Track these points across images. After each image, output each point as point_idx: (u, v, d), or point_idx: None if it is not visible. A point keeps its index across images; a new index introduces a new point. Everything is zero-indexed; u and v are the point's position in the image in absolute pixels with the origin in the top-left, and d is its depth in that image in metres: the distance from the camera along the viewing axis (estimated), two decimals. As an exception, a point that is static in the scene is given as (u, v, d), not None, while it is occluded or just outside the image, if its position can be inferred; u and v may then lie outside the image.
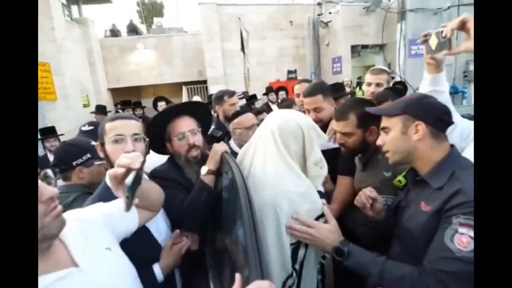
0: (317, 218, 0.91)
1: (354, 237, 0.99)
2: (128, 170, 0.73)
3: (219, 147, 1.21)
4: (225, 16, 7.98)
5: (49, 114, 5.77)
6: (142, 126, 1.09)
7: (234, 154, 1.29)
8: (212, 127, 2.23)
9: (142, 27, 11.30)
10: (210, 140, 1.62)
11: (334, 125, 1.32)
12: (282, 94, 5.27)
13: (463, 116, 1.34)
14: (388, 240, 1.05)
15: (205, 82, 8.77)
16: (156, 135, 1.22)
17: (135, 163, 0.73)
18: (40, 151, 2.90)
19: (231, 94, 2.37)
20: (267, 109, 3.94)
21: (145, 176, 1.01)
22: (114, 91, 9.44)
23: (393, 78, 5.87)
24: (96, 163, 1.34)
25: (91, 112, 5.23)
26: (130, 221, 0.88)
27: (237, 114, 1.88)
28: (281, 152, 0.91)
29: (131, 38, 9.37)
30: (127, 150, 1.00)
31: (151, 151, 1.31)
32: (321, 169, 0.96)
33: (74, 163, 1.30)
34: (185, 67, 9.33)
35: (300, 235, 0.88)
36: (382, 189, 1.17)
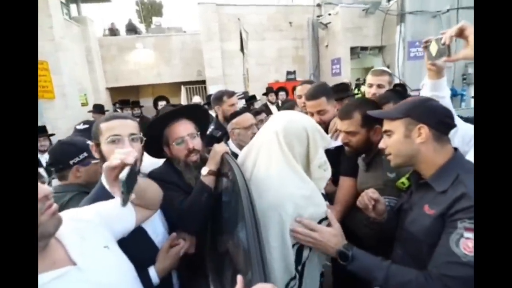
0: (320, 221, 0.90)
1: (356, 238, 0.98)
2: (123, 165, 0.72)
3: (220, 148, 1.20)
4: (224, 16, 7.97)
5: (47, 113, 5.73)
6: (138, 126, 1.07)
7: (233, 154, 1.28)
8: (211, 127, 2.23)
9: (141, 27, 11.28)
10: (209, 140, 1.61)
11: (338, 124, 1.31)
12: (282, 94, 5.27)
13: (466, 119, 1.35)
14: (390, 242, 1.04)
15: (204, 82, 8.75)
16: (153, 139, 1.19)
17: (129, 158, 0.72)
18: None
19: (231, 94, 2.36)
20: (266, 109, 3.93)
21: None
22: (112, 90, 9.39)
23: (392, 79, 5.90)
24: (93, 162, 1.32)
25: (89, 111, 5.19)
26: (127, 220, 0.87)
27: (235, 114, 1.87)
28: (285, 154, 0.90)
29: (130, 37, 9.33)
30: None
31: (145, 154, 1.29)
32: (325, 172, 0.95)
33: (71, 162, 1.28)
34: (184, 67, 9.30)
35: (303, 238, 0.87)
36: (386, 190, 1.17)
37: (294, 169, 0.90)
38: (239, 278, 0.61)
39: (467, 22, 0.89)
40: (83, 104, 7.21)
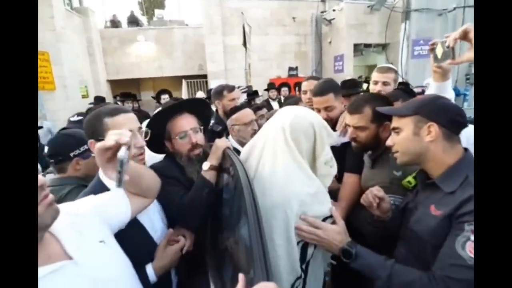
0: (325, 219, 0.88)
1: (360, 236, 0.97)
2: (117, 146, 0.71)
3: (221, 143, 1.18)
4: (227, 10, 7.87)
5: (47, 104, 5.70)
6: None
7: (234, 150, 1.26)
8: (212, 122, 2.20)
9: (143, 19, 11.16)
10: (210, 135, 1.58)
11: (347, 118, 1.28)
12: (284, 90, 5.23)
13: (468, 119, 1.34)
14: (394, 240, 1.03)
15: (205, 76, 8.69)
16: (155, 133, 1.16)
17: (123, 138, 0.70)
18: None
19: (231, 89, 2.32)
20: (267, 105, 3.89)
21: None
22: (113, 83, 9.33)
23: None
24: (93, 155, 1.30)
25: (90, 103, 5.16)
26: (122, 211, 0.85)
27: (235, 109, 1.83)
28: (291, 150, 0.88)
29: (132, 29, 9.24)
30: (139, 145, 1.00)
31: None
32: (331, 168, 0.93)
33: (71, 154, 1.25)
34: (185, 61, 9.23)
35: (307, 236, 0.85)
36: (391, 188, 1.15)
37: (300, 166, 0.88)
38: (241, 276, 0.60)
39: (472, 24, 0.88)
40: (84, 96, 7.18)
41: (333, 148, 1.03)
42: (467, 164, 0.85)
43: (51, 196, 0.60)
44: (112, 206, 0.83)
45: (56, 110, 5.86)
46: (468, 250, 0.71)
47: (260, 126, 1.79)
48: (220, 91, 2.29)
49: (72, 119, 2.22)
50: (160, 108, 1.43)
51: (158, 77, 9.50)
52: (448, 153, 0.86)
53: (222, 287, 0.94)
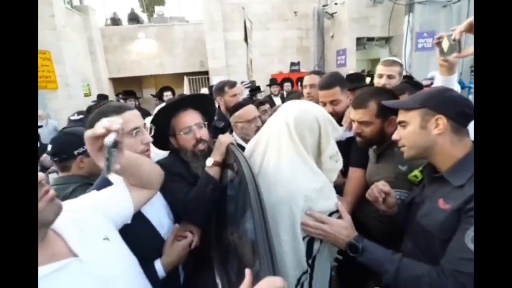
0: (330, 214, 0.88)
1: (366, 230, 0.96)
2: (107, 133, 0.68)
3: (225, 139, 1.18)
4: (228, 5, 7.81)
5: (50, 103, 5.72)
6: None
7: (238, 146, 1.25)
8: (214, 118, 2.19)
9: (143, 16, 11.11)
10: (213, 131, 1.58)
11: (352, 113, 1.26)
12: (287, 85, 5.19)
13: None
14: (399, 235, 1.02)
15: (207, 73, 8.66)
16: (159, 130, 1.16)
17: (114, 125, 0.68)
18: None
19: (232, 84, 2.31)
20: (269, 101, 3.87)
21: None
22: (115, 81, 9.35)
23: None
24: None
25: (93, 101, 5.17)
26: (124, 206, 0.84)
27: (238, 106, 1.82)
28: (296, 145, 0.86)
29: (132, 27, 9.21)
30: (146, 141, 1.00)
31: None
32: (337, 163, 0.92)
33: (75, 152, 1.25)
34: (186, 58, 9.20)
35: (313, 231, 0.85)
36: (397, 183, 1.14)
37: (305, 161, 0.86)
38: (248, 271, 0.59)
39: None
40: (86, 95, 7.20)
41: (338, 143, 1.02)
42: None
43: (52, 192, 0.59)
44: (113, 201, 0.83)
45: (58, 109, 5.89)
46: None
47: (263, 122, 1.79)
48: (221, 87, 2.28)
49: (72, 117, 2.22)
50: (163, 104, 1.43)
51: (160, 74, 9.49)
52: (456, 146, 0.85)
53: (228, 282, 0.94)
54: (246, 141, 1.68)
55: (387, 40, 7.57)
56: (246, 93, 4.28)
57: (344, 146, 1.31)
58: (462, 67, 7.05)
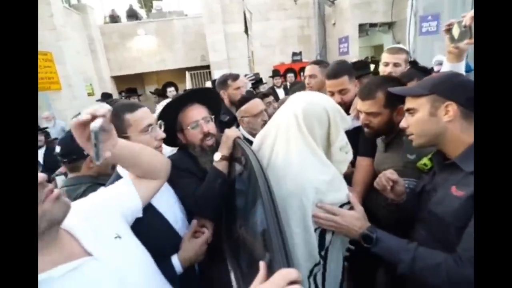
0: (342, 206, 0.88)
1: (376, 220, 0.96)
2: (93, 118, 0.66)
3: (231, 133, 1.17)
4: (226, -3, 7.69)
5: (54, 104, 5.77)
6: None
7: (246, 140, 1.25)
8: (219, 112, 2.18)
9: (142, 12, 11.00)
10: (219, 126, 1.58)
11: (359, 104, 1.24)
12: (290, 76, 5.13)
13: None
14: (409, 223, 1.02)
15: (208, 67, 8.60)
16: (166, 126, 1.15)
17: (100, 110, 0.67)
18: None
19: (235, 77, 2.29)
20: (272, 93, 3.84)
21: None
22: (117, 79, 9.36)
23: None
24: None
25: (97, 100, 5.19)
26: (131, 200, 0.84)
27: (243, 101, 1.81)
28: (305, 137, 0.86)
29: (131, 23, 9.15)
30: (160, 137, 1.02)
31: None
32: (346, 154, 0.91)
33: (85, 152, 1.26)
34: (187, 52, 9.14)
35: (325, 223, 0.85)
36: (405, 172, 1.13)
37: (314, 153, 0.86)
38: (262, 264, 0.59)
39: None
40: (89, 94, 7.23)
41: (346, 132, 1.01)
42: None
43: (57, 191, 0.59)
44: (120, 196, 0.82)
45: (63, 110, 5.94)
46: None
47: (269, 115, 1.78)
48: (224, 81, 2.26)
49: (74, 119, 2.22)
50: (168, 100, 1.43)
51: (161, 70, 9.46)
52: (466, 131, 0.83)
53: (241, 274, 0.95)
54: (253, 135, 1.68)
55: (390, 25, 7.39)
56: (249, 85, 4.26)
57: (352, 135, 1.30)
58: (468, 49, 6.88)
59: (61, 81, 5.89)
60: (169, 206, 1.05)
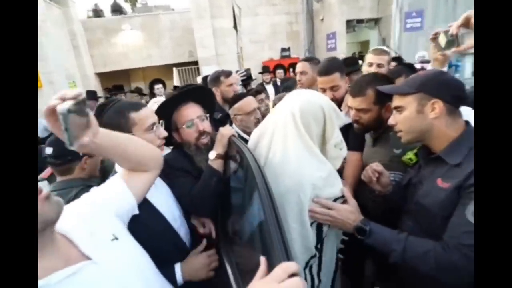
0: (335, 200, 0.91)
1: (367, 213, 1.00)
2: (62, 101, 0.61)
3: (226, 131, 1.18)
4: (214, -9, 7.57)
5: (36, 102, 5.54)
6: None
7: (240, 138, 1.26)
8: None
9: (127, 6, 10.67)
10: (212, 123, 1.58)
11: (350, 101, 1.29)
12: (280, 72, 5.14)
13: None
14: (395, 214, 1.07)
15: (196, 63, 8.48)
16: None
17: (69, 93, 0.62)
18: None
19: (228, 74, 2.27)
20: (263, 89, 3.85)
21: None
22: (101, 76, 9.07)
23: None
24: None
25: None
26: (124, 197, 0.80)
27: (237, 98, 1.81)
28: (302, 135, 0.88)
29: (116, 18, 8.86)
30: (162, 136, 1.03)
31: None
32: (341, 151, 0.95)
33: (81, 153, 1.19)
34: (174, 48, 8.96)
35: (321, 217, 0.88)
36: (392, 165, 1.19)
37: (311, 150, 0.89)
38: (263, 259, 0.60)
39: (472, 10, 0.89)
40: (73, 91, 6.97)
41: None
42: (470, 136, 0.87)
43: (45, 191, 0.57)
44: (111, 195, 0.79)
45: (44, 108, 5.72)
46: None
47: (262, 114, 1.79)
48: (217, 77, 2.24)
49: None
50: (159, 99, 1.42)
51: (148, 66, 9.25)
52: (451, 127, 0.88)
53: (238, 270, 0.97)
54: (246, 133, 1.70)
55: (376, 21, 7.52)
56: (239, 82, 4.24)
57: (342, 131, 1.35)
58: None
59: (41, 78, 5.67)
60: (168, 205, 1.06)
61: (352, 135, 1.41)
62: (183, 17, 8.66)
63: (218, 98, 2.28)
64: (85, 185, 1.20)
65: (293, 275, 0.52)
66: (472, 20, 0.88)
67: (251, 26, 7.92)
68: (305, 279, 0.89)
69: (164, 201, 1.04)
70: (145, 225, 0.86)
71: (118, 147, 0.77)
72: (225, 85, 2.21)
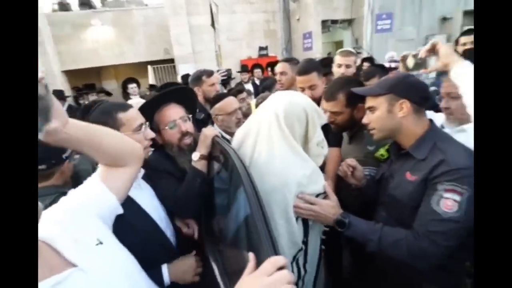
0: (318, 195, 0.97)
1: (346, 206, 1.07)
2: None
3: (209, 132, 1.19)
4: (190, -13, 7.41)
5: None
6: None
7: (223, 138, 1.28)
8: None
9: (96, 0, 10.10)
10: (194, 123, 1.58)
11: (324, 104, 1.37)
12: (257, 72, 5.17)
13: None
14: (370, 206, 1.16)
15: (172, 61, 8.27)
16: None
17: None
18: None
19: (210, 73, 2.26)
20: (244, 88, 3.87)
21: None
22: (69, 74, 8.53)
23: (359, 53, 6.05)
24: (76, 156, 1.24)
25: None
26: (104, 197, 0.76)
27: (218, 98, 1.82)
28: (286, 136, 0.92)
29: (84, 12, 8.36)
30: (150, 137, 1.03)
31: None
32: (323, 149, 1.01)
33: (64, 156, 1.10)
34: (149, 45, 8.66)
35: (305, 212, 0.93)
36: (366, 161, 1.28)
37: (294, 150, 0.93)
38: (252, 255, 0.62)
39: (437, 38, 1.02)
40: (38, 90, 6.51)
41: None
42: (433, 133, 0.97)
43: None
44: (90, 197, 0.75)
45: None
46: (443, 206, 0.84)
47: (245, 115, 1.82)
48: (199, 77, 2.22)
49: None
50: (137, 100, 1.40)
51: (120, 64, 8.85)
52: (417, 125, 0.98)
53: (224, 269, 0.99)
54: (228, 133, 1.71)
55: (349, 22, 7.80)
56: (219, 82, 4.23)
57: (322, 129, 1.43)
58: (416, 47, 7.57)
59: (3, 76, 5.22)
60: (153, 206, 1.05)
61: (331, 133, 1.49)
62: (157, 13, 8.38)
63: (200, 98, 2.27)
64: (60, 192, 1.12)
65: (281, 268, 0.55)
66: (438, 46, 0.99)
67: (228, 23, 7.87)
68: (292, 271, 0.94)
69: (150, 202, 1.04)
70: (132, 226, 0.86)
71: (91, 139, 0.72)
72: (207, 85, 2.20)
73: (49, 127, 0.58)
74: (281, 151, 0.92)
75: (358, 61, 2.98)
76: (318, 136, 0.98)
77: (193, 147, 1.21)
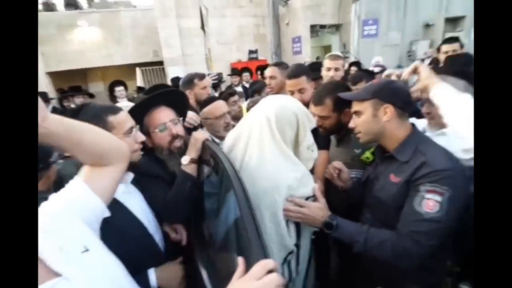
0: (307, 198, 0.99)
1: (334, 208, 1.09)
2: None
3: (200, 135, 1.19)
4: (179, -10, 7.39)
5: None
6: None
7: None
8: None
9: (82, 1, 9.88)
10: (185, 127, 1.57)
11: (312, 109, 1.41)
12: (246, 75, 5.20)
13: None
14: (356, 207, 1.20)
15: (161, 63, 8.19)
16: None
17: None
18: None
19: (202, 76, 2.26)
20: (235, 91, 3.88)
21: None
22: (54, 75, 8.29)
23: (346, 57, 6.19)
24: (60, 161, 1.21)
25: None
26: (88, 200, 0.72)
27: (208, 102, 1.82)
28: (277, 141, 0.94)
29: (71, 13, 8.17)
30: (140, 140, 1.02)
31: None
32: (313, 152, 1.03)
33: (50, 160, 1.09)
34: (137, 47, 8.55)
35: (294, 215, 0.95)
36: (353, 164, 1.32)
37: (285, 154, 0.95)
38: (241, 259, 0.62)
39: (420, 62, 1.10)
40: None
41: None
42: (415, 136, 1.02)
43: None
44: (73, 201, 0.72)
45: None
46: (425, 206, 0.87)
47: (237, 118, 1.83)
48: (191, 80, 2.20)
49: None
50: (126, 103, 1.39)
51: (108, 66, 8.68)
52: (400, 128, 1.02)
53: (213, 273, 0.99)
54: (216, 137, 1.72)
55: (337, 27, 7.98)
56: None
57: (312, 132, 1.46)
58: (400, 52, 7.84)
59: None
60: (142, 210, 1.05)
61: (320, 136, 1.53)
62: (146, 15, 8.30)
63: (192, 101, 2.26)
64: (43, 198, 1.11)
65: (271, 271, 0.55)
66: (420, 69, 1.06)
67: (218, 27, 7.89)
68: (283, 273, 0.95)
69: (139, 207, 1.03)
70: (121, 231, 0.85)
71: (72, 135, 0.68)
72: (199, 88, 2.19)
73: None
74: (272, 155, 0.94)
75: (346, 65, 3.08)
76: (308, 140, 1.01)
77: (183, 150, 1.20)
